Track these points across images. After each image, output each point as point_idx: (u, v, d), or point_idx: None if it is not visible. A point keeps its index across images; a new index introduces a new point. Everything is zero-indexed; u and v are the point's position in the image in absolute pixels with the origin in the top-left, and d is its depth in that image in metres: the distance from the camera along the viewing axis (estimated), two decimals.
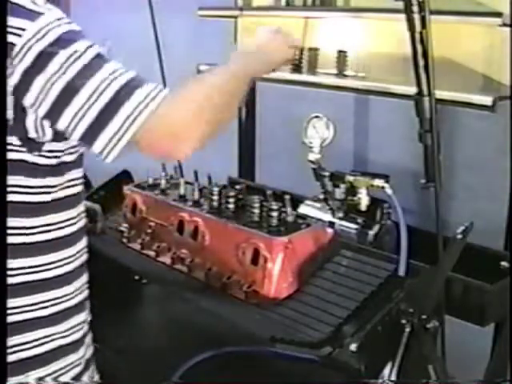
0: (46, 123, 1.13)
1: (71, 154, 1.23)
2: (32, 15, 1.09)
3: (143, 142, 1.11)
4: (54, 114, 1.10)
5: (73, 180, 1.25)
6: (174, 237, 1.63)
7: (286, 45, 1.50)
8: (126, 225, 1.76)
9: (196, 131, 1.12)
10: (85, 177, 1.32)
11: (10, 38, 1.07)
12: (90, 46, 1.12)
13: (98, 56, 1.11)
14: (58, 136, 1.16)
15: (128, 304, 1.74)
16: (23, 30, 1.08)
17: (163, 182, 1.79)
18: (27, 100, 1.10)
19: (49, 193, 1.20)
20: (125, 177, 2.00)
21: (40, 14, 1.10)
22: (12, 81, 1.09)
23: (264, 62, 1.44)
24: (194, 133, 1.12)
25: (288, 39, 1.51)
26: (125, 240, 1.75)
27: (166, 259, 1.62)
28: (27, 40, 1.08)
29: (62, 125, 1.10)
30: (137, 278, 1.77)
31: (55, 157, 1.19)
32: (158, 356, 1.56)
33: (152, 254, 1.66)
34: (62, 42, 1.09)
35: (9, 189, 1.15)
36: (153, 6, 2.27)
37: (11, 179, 1.15)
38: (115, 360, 1.56)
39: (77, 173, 1.26)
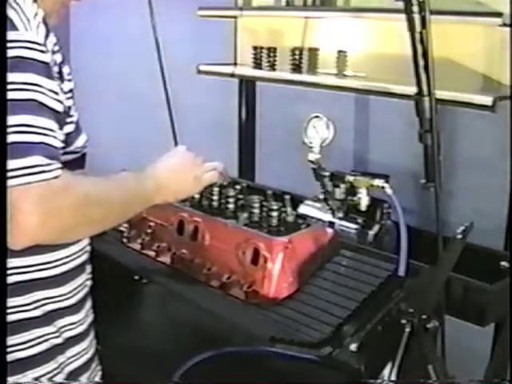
0: None
1: (72, 153, 1.22)
2: (8, 27, 1.09)
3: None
4: None
5: None
6: (173, 237, 1.63)
7: (193, 177, 1.42)
8: (126, 225, 1.76)
9: (36, 229, 1.05)
10: None
11: None
12: (32, 84, 1.08)
13: (29, 100, 1.07)
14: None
15: (128, 304, 1.74)
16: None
17: None
18: None
19: None
20: None
21: (14, 28, 1.09)
22: None
23: (164, 190, 1.37)
24: (32, 230, 1.05)
25: (199, 170, 1.43)
26: (125, 240, 1.75)
27: (166, 259, 1.62)
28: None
29: None
30: (137, 277, 1.76)
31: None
32: (158, 356, 1.56)
33: (152, 254, 1.66)
34: (11, 63, 1.07)
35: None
36: (153, 6, 2.27)
37: None
38: (115, 360, 1.56)
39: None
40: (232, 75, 2.46)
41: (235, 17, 2.47)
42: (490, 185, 2.01)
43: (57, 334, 1.27)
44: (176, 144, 2.30)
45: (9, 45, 1.08)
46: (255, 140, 2.58)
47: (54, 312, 1.26)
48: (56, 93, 1.13)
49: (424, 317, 1.26)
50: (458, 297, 1.40)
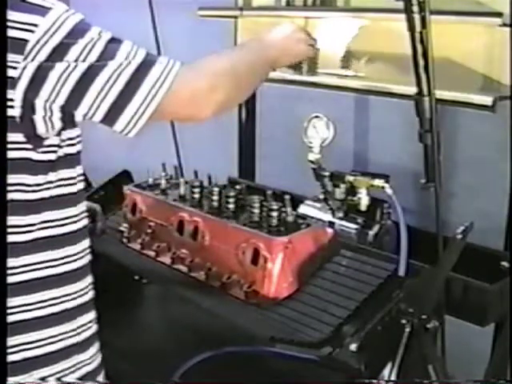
0: (57, 115, 1.14)
1: (71, 145, 1.23)
2: (42, 11, 1.11)
3: (165, 112, 1.18)
4: (73, 100, 1.12)
5: (71, 178, 1.24)
6: (173, 237, 1.63)
7: (304, 43, 1.54)
8: (126, 225, 1.76)
9: (211, 96, 1.20)
10: (85, 177, 1.32)
11: (22, 35, 1.09)
12: (101, 32, 1.15)
13: (112, 40, 1.15)
14: (65, 126, 1.18)
15: (128, 304, 1.74)
16: (36, 25, 1.09)
17: (163, 181, 1.79)
18: (41, 95, 1.11)
19: (48, 189, 1.20)
20: (125, 177, 2.00)
21: (49, 8, 1.11)
22: (23, 80, 1.10)
23: (283, 53, 1.48)
24: (209, 97, 1.20)
25: (308, 37, 1.56)
26: (125, 240, 1.75)
27: (166, 259, 1.62)
28: (42, 35, 1.09)
29: (82, 110, 1.14)
30: (137, 277, 1.77)
31: (53, 151, 1.19)
32: (158, 356, 1.56)
33: (152, 254, 1.66)
34: (77, 32, 1.12)
35: (11, 187, 1.15)
36: (153, 6, 2.27)
37: (14, 178, 1.15)
38: (115, 360, 1.56)
39: (71, 172, 1.25)
40: None
41: (235, 17, 2.47)
42: (490, 185, 2.01)
43: (75, 333, 1.26)
44: (176, 144, 2.31)
45: (62, 20, 1.11)
46: (255, 140, 2.57)
47: (70, 310, 1.26)
48: None
49: (424, 317, 1.26)
50: (457, 297, 1.40)
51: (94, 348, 1.32)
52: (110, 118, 1.15)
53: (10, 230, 1.16)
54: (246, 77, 1.33)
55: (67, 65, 1.10)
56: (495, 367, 1.58)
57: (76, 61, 1.10)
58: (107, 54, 1.13)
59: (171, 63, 1.17)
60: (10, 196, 1.15)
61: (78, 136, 1.25)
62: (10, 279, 1.18)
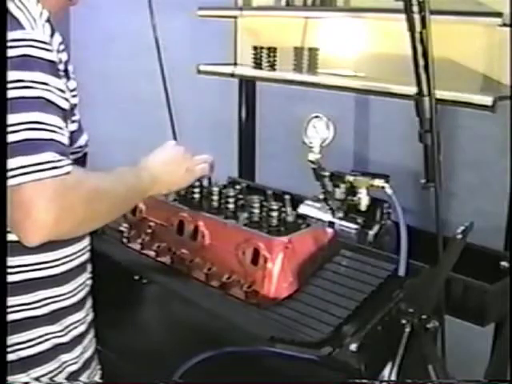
0: None
1: (74, 152, 1.23)
2: (15, 26, 1.10)
3: (9, 198, 1.06)
4: None
5: None
6: (173, 237, 1.63)
7: (191, 167, 1.48)
8: (126, 225, 1.76)
9: (51, 225, 1.07)
10: None
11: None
12: (41, 83, 1.09)
13: (38, 98, 1.09)
14: None
15: (128, 304, 1.74)
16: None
17: None
18: None
19: None
20: None
21: (22, 27, 1.11)
22: None
23: (160, 185, 1.41)
24: (47, 226, 1.07)
25: (192, 162, 1.49)
26: (125, 240, 1.74)
27: (166, 259, 1.62)
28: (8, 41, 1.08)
29: None
30: (137, 277, 1.76)
31: None
32: (158, 356, 1.56)
33: (152, 253, 1.66)
34: (18, 62, 1.08)
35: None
36: (153, 6, 2.27)
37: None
38: (115, 360, 1.56)
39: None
40: (232, 75, 2.46)
41: (235, 17, 2.47)
42: (490, 185, 2.01)
43: (63, 333, 1.27)
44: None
45: (15, 44, 1.09)
46: (255, 140, 2.57)
47: (58, 311, 1.26)
48: (62, 91, 1.14)
49: (424, 317, 1.26)
50: (457, 297, 1.40)
51: (81, 348, 1.33)
52: None
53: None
54: (106, 209, 1.23)
55: None
56: (495, 367, 1.58)
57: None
58: (19, 104, 1.07)
59: (62, 163, 1.09)
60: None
61: (85, 143, 1.26)
62: (9, 278, 1.19)
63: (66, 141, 1.12)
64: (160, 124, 2.26)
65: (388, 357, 1.27)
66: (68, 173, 1.09)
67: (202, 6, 2.45)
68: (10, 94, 1.07)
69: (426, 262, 1.39)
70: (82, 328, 1.33)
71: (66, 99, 1.16)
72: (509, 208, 1.73)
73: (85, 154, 1.28)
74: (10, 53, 1.08)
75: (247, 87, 2.55)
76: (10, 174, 1.05)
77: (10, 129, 1.06)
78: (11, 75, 1.07)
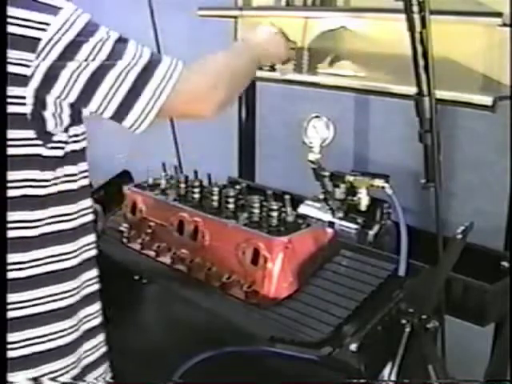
0: (66, 112, 1.18)
1: (76, 142, 1.26)
2: (53, 10, 1.13)
3: (171, 109, 1.23)
4: (84, 97, 1.16)
5: (73, 175, 1.26)
6: (173, 237, 1.63)
7: (285, 45, 1.63)
8: (126, 225, 1.76)
9: (213, 94, 1.26)
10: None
11: (34, 33, 1.11)
12: (109, 31, 1.19)
13: (119, 40, 1.19)
14: (73, 122, 1.22)
15: (128, 304, 1.74)
16: (48, 24, 1.12)
17: (163, 182, 1.79)
18: (53, 92, 1.14)
19: (55, 184, 1.22)
20: (125, 177, 2.00)
21: (59, 8, 1.14)
22: (35, 78, 1.12)
23: (266, 53, 1.57)
24: (211, 95, 1.26)
25: (286, 40, 1.65)
26: (125, 240, 1.75)
27: (166, 259, 1.62)
28: (54, 33, 1.12)
29: (93, 106, 1.18)
30: (137, 277, 1.76)
31: (61, 148, 1.22)
32: (158, 356, 1.56)
33: (152, 253, 1.66)
34: (87, 31, 1.15)
35: (21, 183, 1.17)
36: (153, 6, 2.27)
37: (24, 174, 1.18)
38: (115, 360, 1.56)
39: (74, 169, 1.27)
40: None
41: (235, 17, 2.47)
42: (490, 185, 2.01)
43: (77, 327, 1.27)
44: (176, 144, 2.31)
45: (72, 20, 1.14)
46: (255, 140, 2.57)
47: (75, 304, 1.27)
48: None
49: (424, 317, 1.26)
50: (457, 297, 1.40)
51: (96, 340, 1.34)
52: (120, 114, 1.19)
53: (18, 224, 1.18)
54: (240, 76, 1.41)
55: (78, 64, 1.13)
56: (495, 367, 1.58)
57: (87, 59, 1.14)
58: (116, 54, 1.16)
59: (175, 62, 1.22)
60: (20, 192, 1.17)
61: (83, 133, 1.28)
62: (20, 274, 1.19)
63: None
64: (160, 124, 2.26)
65: (388, 357, 1.27)
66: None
67: (202, 6, 2.44)
68: (105, 49, 1.15)
69: (426, 262, 1.39)
70: (96, 321, 1.33)
71: None
72: (509, 208, 1.73)
73: (82, 149, 1.29)
74: (74, 31, 1.13)
75: (247, 87, 2.55)
76: (159, 88, 1.18)
77: (128, 68, 1.16)
78: (91, 43, 1.14)
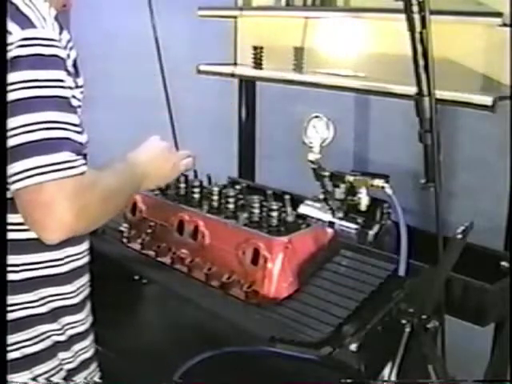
0: None
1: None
2: (26, 24, 1.11)
3: (27, 198, 1.09)
4: None
5: None
6: (173, 237, 1.63)
7: (174, 162, 1.50)
8: (126, 225, 1.76)
9: (72, 223, 1.10)
10: None
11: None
12: (56, 81, 1.11)
13: (54, 97, 1.11)
14: None
15: (128, 304, 1.74)
16: (10, 33, 1.10)
17: None
18: None
19: None
20: None
21: (33, 26, 1.11)
22: None
23: (151, 178, 1.42)
24: (69, 224, 1.10)
25: (177, 156, 1.51)
26: (125, 240, 1.74)
27: (166, 259, 1.62)
28: (10, 42, 1.09)
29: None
30: (137, 277, 1.76)
31: None
32: (158, 356, 1.56)
33: (152, 253, 1.66)
34: (33, 61, 1.10)
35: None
36: (153, 6, 2.27)
37: None
38: (115, 360, 1.56)
39: None
40: (232, 75, 2.46)
41: (235, 17, 2.47)
42: (490, 185, 2.01)
43: (61, 332, 1.27)
44: (176, 144, 2.31)
45: (28, 42, 1.10)
46: (255, 140, 2.57)
47: (59, 309, 1.27)
48: (71, 88, 1.16)
49: (424, 317, 1.26)
50: (457, 297, 1.40)
51: (79, 346, 1.33)
52: (11, 156, 1.10)
53: (12, 227, 1.18)
54: (115, 205, 1.27)
55: (9, 81, 1.08)
56: (495, 367, 1.58)
57: (15, 83, 1.08)
58: (37, 104, 1.09)
59: (78, 163, 1.12)
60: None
61: (86, 142, 1.26)
62: (12, 277, 1.19)
63: (80, 139, 1.15)
64: (160, 124, 2.26)
65: (388, 357, 1.27)
66: (83, 172, 1.12)
67: (202, 6, 2.44)
68: (25, 93, 1.08)
69: (426, 262, 1.39)
70: (82, 328, 1.33)
71: (75, 96, 1.18)
72: (509, 208, 1.73)
73: (85, 155, 1.29)
74: (23, 52, 1.09)
75: (247, 87, 2.55)
76: (25, 174, 1.07)
77: (25, 129, 1.07)
78: (25, 75, 1.09)
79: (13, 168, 1.08)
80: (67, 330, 1.29)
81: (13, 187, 1.10)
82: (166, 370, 1.30)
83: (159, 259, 1.64)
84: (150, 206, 1.74)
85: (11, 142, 1.08)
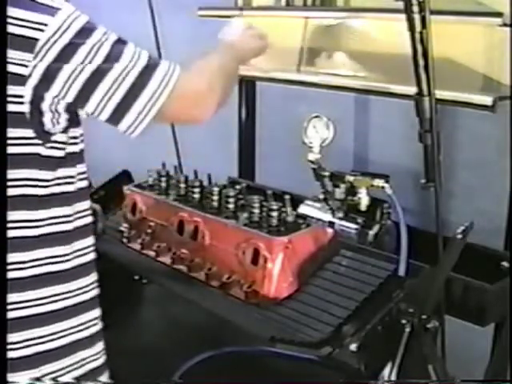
0: (63, 113, 1.18)
1: (75, 144, 1.26)
2: (51, 10, 1.14)
3: (168, 114, 1.22)
4: (81, 99, 1.16)
5: (71, 177, 1.26)
6: (173, 237, 1.63)
7: (257, 38, 1.61)
8: (126, 225, 1.76)
9: (211, 97, 1.27)
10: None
11: (32, 33, 1.11)
12: (107, 33, 1.19)
13: (117, 41, 1.19)
14: (70, 124, 1.22)
15: (128, 304, 1.74)
16: (46, 25, 1.12)
17: (163, 181, 1.79)
18: (51, 91, 1.14)
19: (58, 184, 1.22)
20: (125, 177, 2.00)
21: (58, 8, 1.14)
22: (33, 78, 1.12)
23: (246, 50, 1.57)
24: (209, 99, 1.26)
25: (258, 33, 1.62)
26: (125, 240, 1.75)
27: (166, 259, 1.62)
28: (52, 34, 1.12)
29: (89, 108, 1.18)
30: (137, 277, 1.77)
31: (61, 148, 1.22)
32: (158, 356, 1.56)
33: (152, 253, 1.66)
34: (85, 32, 1.15)
35: (21, 182, 1.18)
36: (153, 6, 2.27)
37: (23, 172, 1.18)
38: (115, 360, 1.56)
39: (72, 170, 1.27)
40: None
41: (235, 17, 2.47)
42: (490, 185, 2.01)
43: (80, 328, 1.28)
44: (176, 144, 2.31)
45: (70, 21, 1.14)
46: (255, 140, 2.57)
47: (75, 306, 1.27)
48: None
49: (424, 317, 1.26)
50: (457, 297, 1.40)
51: (101, 345, 1.33)
52: (115, 117, 1.19)
53: (19, 224, 1.18)
54: (231, 77, 1.43)
55: (76, 65, 1.13)
56: (495, 367, 1.58)
57: (84, 61, 1.14)
58: (113, 56, 1.16)
59: (172, 66, 1.21)
60: (19, 191, 1.18)
61: (81, 135, 1.28)
62: (20, 274, 1.19)
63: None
64: (160, 124, 2.26)
65: (388, 357, 1.27)
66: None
67: (202, 6, 2.44)
68: (101, 53, 1.15)
69: (426, 262, 1.39)
70: (100, 324, 1.33)
71: None
72: (509, 208, 1.73)
73: (81, 151, 1.29)
74: (72, 32, 1.13)
75: (247, 87, 2.55)
76: (157, 93, 1.18)
77: (125, 71, 1.16)
78: (90, 42, 1.14)
79: (140, 100, 1.17)
80: (89, 327, 1.30)
81: (154, 109, 1.18)
82: (166, 370, 1.30)
83: (159, 259, 1.65)
84: (150, 206, 1.74)
85: (120, 92, 1.16)
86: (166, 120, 1.33)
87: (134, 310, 1.77)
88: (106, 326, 1.39)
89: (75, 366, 1.28)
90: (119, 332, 1.68)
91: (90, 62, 1.14)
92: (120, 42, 1.20)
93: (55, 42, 1.12)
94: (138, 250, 1.70)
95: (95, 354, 1.31)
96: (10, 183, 1.16)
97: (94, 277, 1.34)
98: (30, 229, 1.20)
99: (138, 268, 1.68)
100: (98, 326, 1.33)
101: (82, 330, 1.29)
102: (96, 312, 1.33)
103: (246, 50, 1.56)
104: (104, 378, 1.34)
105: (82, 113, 1.21)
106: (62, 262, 1.25)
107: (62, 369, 1.26)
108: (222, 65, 1.36)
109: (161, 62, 1.21)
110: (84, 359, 1.29)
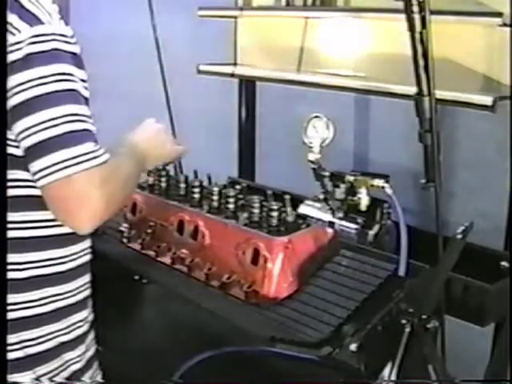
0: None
1: None
2: (34, 21, 1.12)
3: (57, 192, 1.13)
4: (14, 114, 1.12)
5: None
6: (173, 237, 1.63)
7: (170, 143, 1.53)
8: (126, 225, 1.76)
9: (104, 210, 1.15)
10: None
11: (7, 36, 1.10)
12: (69, 74, 1.14)
13: (70, 90, 1.14)
14: None
15: (128, 304, 1.74)
16: (19, 31, 1.11)
17: (163, 181, 1.79)
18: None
19: None
20: None
21: (42, 23, 1.13)
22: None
23: (152, 157, 1.45)
24: (101, 211, 1.15)
25: (171, 139, 1.54)
26: (125, 240, 1.74)
27: (166, 259, 1.62)
28: (18, 41, 1.11)
29: (15, 129, 1.13)
30: (137, 277, 1.76)
31: None
32: (158, 356, 1.56)
33: (152, 253, 1.66)
34: (47, 57, 1.11)
35: (21, 183, 1.18)
36: (153, 6, 2.27)
37: (23, 173, 1.18)
38: (115, 360, 1.56)
39: None
40: (232, 75, 2.46)
41: (235, 17, 2.47)
42: (490, 185, 2.01)
43: (67, 331, 1.28)
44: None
45: (41, 39, 1.12)
46: (255, 140, 2.57)
47: (63, 309, 1.27)
48: (84, 81, 1.19)
49: (424, 317, 1.26)
50: (457, 297, 1.40)
51: (83, 347, 1.33)
52: (33, 153, 1.13)
53: (17, 225, 1.19)
54: (133, 187, 1.36)
55: (23, 80, 1.10)
56: (495, 367, 1.58)
57: (31, 81, 1.10)
58: (56, 99, 1.11)
59: (101, 152, 1.16)
60: (17, 192, 1.18)
61: None
62: (16, 275, 1.19)
63: (94, 130, 1.18)
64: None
65: (388, 357, 1.27)
66: (106, 161, 1.16)
67: (202, 6, 2.44)
68: (42, 89, 1.10)
69: (426, 262, 1.39)
70: (85, 327, 1.33)
71: (86, 88, 1.21)
72: (509, 208, 1.73)
73: None
74: (35, 48, 1.11)
75: (247, 87, 2.55)
76: (53, 168, 1.10)
77: (48, 124, 1.10)
78: (40, 71, 1.10)
79: (38, 164, 1.11)
80: (74, 329, 1.30)
81: (40, 183, 1.12)
82: (165, 370, 1.30)
83: (159, 259, 1.64)
84: (150, 206, 1.74)
85: (33, 139, 1.10)
86: (50, 198, 1.15)
87: (134, 309, 1.77)
88: (103, 326, 1.39)
89: (61, 368, 1.28)
90: (119, 332, 1.68)
91: (35, 86, 1.10)
92: (70, 94, 1.13)
93: (16, 50, 1.11)
94: (138, 250, 1.70)
95: (78, 356, 1.32)
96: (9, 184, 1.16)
97: (86, 278, 1.34)
98: (28, 230, 1.20)
99: (138, 268, 1.67)
100: (84, 328, 1.33)
101: (68, 333, 1.29)
102: (83, 314, 1.33)
103: (156, 156, 1.46)
104: (86, 377, 1.34)
105: (12, 134, 1.14)
106: (58, 264, 1.25)
107: (51, 371, 1.26)
108: (129, 175, 1.28)
109: (90, 142, 1.14)
110: (67, 361, 1.29)
